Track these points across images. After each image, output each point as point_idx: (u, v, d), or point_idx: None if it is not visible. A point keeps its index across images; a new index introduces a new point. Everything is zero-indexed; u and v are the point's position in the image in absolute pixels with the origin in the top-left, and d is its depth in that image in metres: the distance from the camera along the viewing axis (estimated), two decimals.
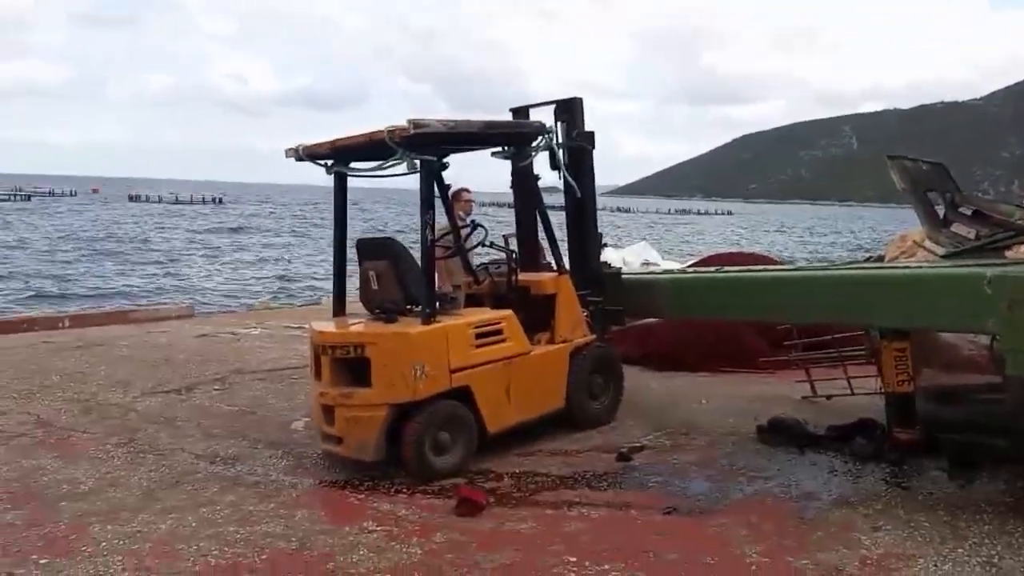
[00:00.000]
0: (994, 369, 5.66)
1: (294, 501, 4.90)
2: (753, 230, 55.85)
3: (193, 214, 71.42)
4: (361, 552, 4.14)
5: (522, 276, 6.17)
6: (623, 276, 6.52)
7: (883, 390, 6.21)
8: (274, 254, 38.09)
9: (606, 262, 6.75)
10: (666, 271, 6.79)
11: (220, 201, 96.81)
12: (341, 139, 5.64)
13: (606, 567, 3.87)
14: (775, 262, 8.87)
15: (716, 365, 7.93)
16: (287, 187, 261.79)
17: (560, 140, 6.26)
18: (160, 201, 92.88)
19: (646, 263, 12.42)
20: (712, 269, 6.09)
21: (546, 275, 6.28)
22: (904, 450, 5.27)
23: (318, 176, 6.01)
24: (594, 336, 6.22)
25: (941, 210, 5.63)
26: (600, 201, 7.08)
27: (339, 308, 6.09)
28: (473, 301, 6.26)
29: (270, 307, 15.86)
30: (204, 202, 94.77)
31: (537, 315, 6.02)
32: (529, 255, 6.58)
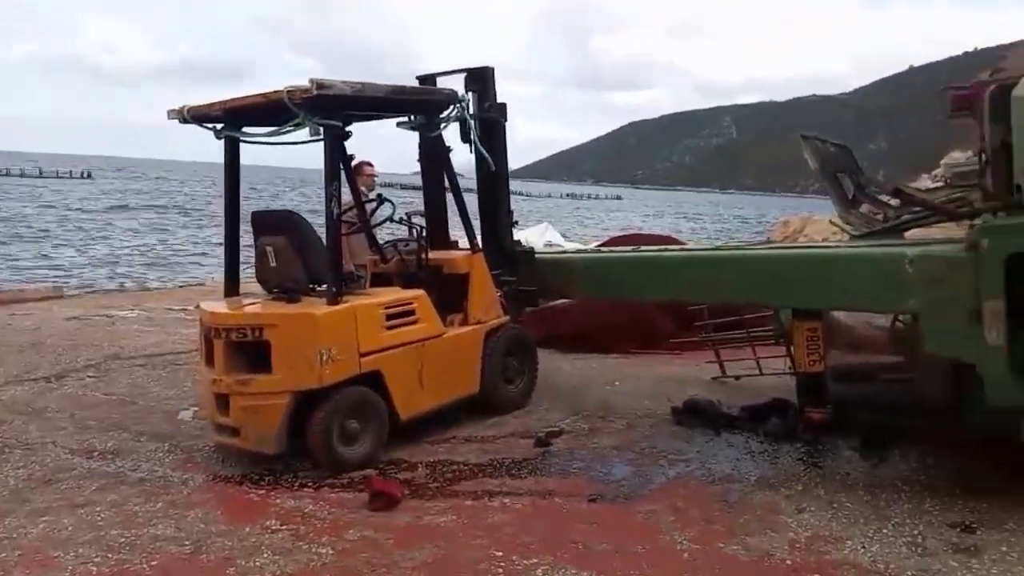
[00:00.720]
0: (894, 349, 5.83)
1: (185, 499, 4.44)
2: (644, 214, 57.26)
3: (60, 189, 66.47)
4: (264, 555, 3.76)
5: (433, 254, 5.84)
6: (537, 255, 6.30)
7: (792, 370, 6.29)
8: (150, 232, 35.83)
9: (518, 240, 6.51)
10: (580, 251, 6.62)
11: (89, 175, 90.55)
12: (234, 99, 5.13)
13: (534, 561, 3.64)
14: (681, 244, 8.90)
15: (626, 346, 7.87)
16: (164, 163, 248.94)
17: (472, 111, 5.94)
18: (23, 175, 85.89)
19: (549, 244, 12.31)
20: (628, 249, 5.97)
21: (458, 253, 5.98)
22: (817, 430, 5.31)
23: (199, 150, 5.46)
24: (508, 317, 5.98)
25: (850, 192, 5.70)
26: None
27: (232, 287, 5.58)
28: (379, 281, 5.90)
29: (148, 288, 14.81)
30: (72, 176, 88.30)
31: (449, 295, 5.71)
32: (439, 232, 6.25)
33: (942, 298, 3.96)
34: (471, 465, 4.89)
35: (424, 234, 5.88)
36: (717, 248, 5.61)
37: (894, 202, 5.82)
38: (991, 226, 3.74)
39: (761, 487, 4.50)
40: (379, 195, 6.33)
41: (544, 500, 4.35)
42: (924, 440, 5.06)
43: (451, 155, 5.89)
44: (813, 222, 22.55)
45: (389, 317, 5.09)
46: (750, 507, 4.24)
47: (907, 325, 5.62)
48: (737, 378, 6.64)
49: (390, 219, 5.95)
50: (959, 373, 4.81)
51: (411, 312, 5.23)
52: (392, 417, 5.03)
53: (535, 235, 12.61)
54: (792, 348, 5.83)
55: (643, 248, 5.92)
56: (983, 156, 4.70)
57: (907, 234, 5.47)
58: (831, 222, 6.29)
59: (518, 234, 6.94)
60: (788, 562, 3.63)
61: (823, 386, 5.43)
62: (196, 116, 5.37)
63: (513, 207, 6.69)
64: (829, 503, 4.26)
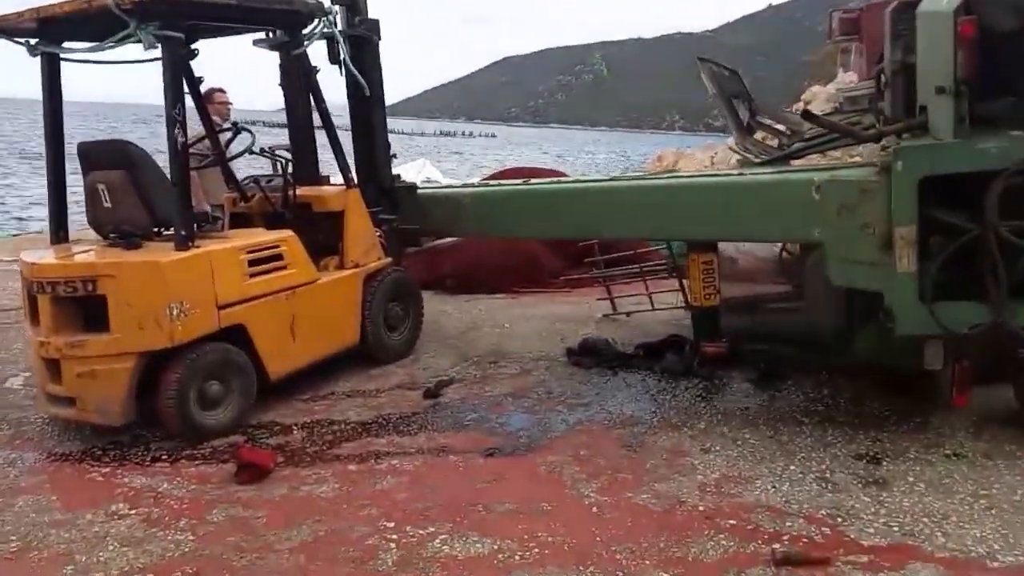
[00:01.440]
0: (781, 280, 5.76)
1: (11, 485, 3.77)
2: (519, 152, 56.94)
3: None
4: (110, 547, 3.20)
5: (301, 191, 5.21)
6: (420, 190, 5.77)
7: (686, 304, 6.13)
8: None
9: (398, 175, 5.94)
10: (467, 185, 6.13)
11: None
12: (50, 6, 4.25)
13: (431, 530, 3.25)
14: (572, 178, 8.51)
15: (514, 286, 7.52)
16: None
17: (341, 27, 5.26)
18: None
19: (427, 181, 11.71)
20: (519, 182, 5.54)
21: (331, 189, 5.36)
22: (713, 364, 5.17)
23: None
24: (389, 259, 5.45)
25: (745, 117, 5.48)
26: None
27: (59, 233, 4.76)
28: (240, 222, 5.23)
29: None
30: None
31: (322, 237, 5.14)
32: (307, 166, 5.59)
33: (851, 226, 3.78)
34: (353, 424, 4.42)
35: (290, 168, 5.22)
36: (613, 179, 5.27)
37: (782, 127, 5.66)
38: (905, 148, 3.55)
39: (664, 428, 4.29)
40: (235, 123, 5.58)
41: (438, 458, 3.95)
42: (817, 370, 5.01)
43: (318, 77, 5.20)
44: (685, 157, 23.08)
45: (252, 263, 4.47)
46: (655, 450, 4.01)
47: (794, 256, 5.55)
48: (629, 314, 6.43)
49: (249, 151, 5.24)
50: (849, 302, 4.78)
51: (278, 256, 4.62)
52: (261, 376, 4.46)
53: (412, 172, 11.94)
54: (687, 282, 5.66)
55: (534, 181, 5.50)
56: (882, 78, 4.53)
57: (793, 163, 5.34)
58: (730, 148, 6.09)
59: (396, 170, 6.36)
60: (701, 508, 3.41)
61: (718, 320, 5.28)
62: (3, 28, 4.46)
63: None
64: (733, 440, 4.09)
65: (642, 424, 4.35)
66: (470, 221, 5.46)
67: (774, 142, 5.31)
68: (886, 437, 4.07)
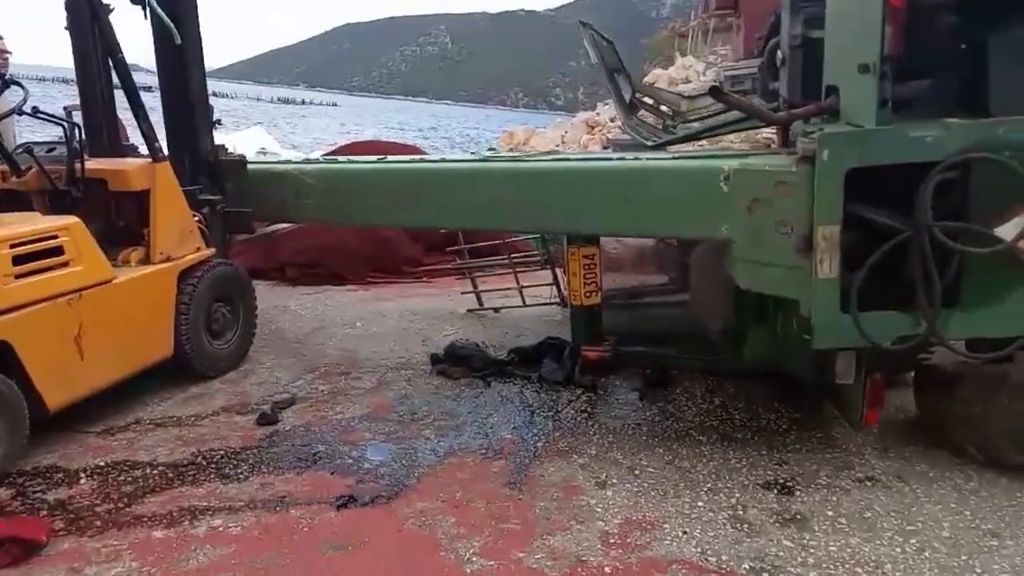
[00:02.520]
0: (654, 268, 5.31)
1: None
2: (362, 122, 54.74)
3: None
4: None
5: (94, 164, 4.12)
6: (251, 166, 4.77)
7: (562, 301, 5.55)
8: None
9: (223, 146, 4.91)
10: (309, 161, 5.17)
11: None
12: None
13: None
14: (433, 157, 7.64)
15: (365, 275, 6.65)
16: None
17: None
18: None
19: (263, 152, 10.49)
20: (373, 159, 4.67)
21: (132, 163, 4.28)
22: (595, 370, 4.63)
23: None
24: (211, 250, 4.46)
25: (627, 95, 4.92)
26: None
27: None
28: (10, 203, 4.07)
29: None
30: None
31: (121, 224, 4.09)
32: (103, 133, 4.47)
33: (764, 222, 3.28)
34: (163, 467, 3.46)
35: (79, 134, 4.10)
36: (485, 160, 4.53)
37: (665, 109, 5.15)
38: (831, 135, 3.07)
39: (550, 456, 3.66)
40: (2, 75, 4.35)
41: (275, 514, 3.10)
42: (704, 374, 4.59)
43: (111, 16, 4.10)
44: (537, 134, 22.76)
45: (20, 259, 3.39)
46: (544, 487, 3.37)
47: (672, 245, 5.09)
48: (497, 310, 5.78)
49: (20, 111, 4.06)
50: (738, 298, 4.37)
51: (57, 250, 3.55)
52: (35, 407, 3.40)
53: (245, 141, 10.66)
54: (564, 277, 5.08)
55: (392, 159, 4.65)
56: (778, 55, 4.08)
57: (671, 149, 4.86)
58: (622, 129, 5.52)
59: (222, 139, 5.31)
60: (607, 570, 2.81)
61: (600, 320, 4.74)
62: None
63: (217, 111, 5.07)
64: (630, 470, 3.53)
65: (525, 451, 3.70)
66: (314, 205, 4.55)
67: (654, 123, 4.80)
68: (791, 458, 3.65)
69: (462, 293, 5.92)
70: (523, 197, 3.94)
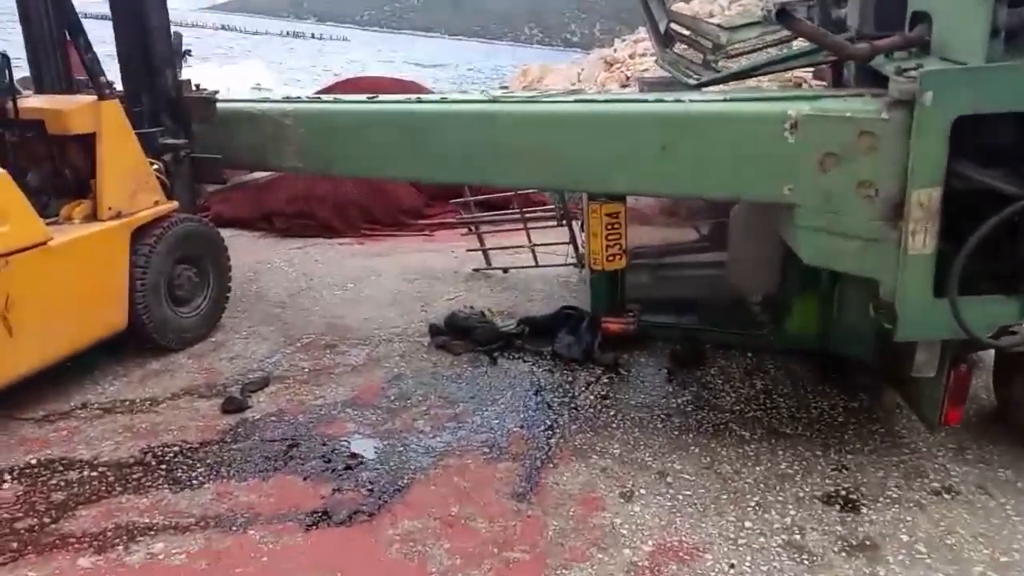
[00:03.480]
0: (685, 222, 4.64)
1: None
2: (374, 58, 52.95)
3: None
4: None
5: (29, 103, 3.48)
6: (221, 104, 4.10)
7: (576, 260, 4.92)
8: None
9: (189, 81, 4.24)
10: (289, 98, 4.47)
11: None
12: None
13: None
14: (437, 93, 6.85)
15: (360, 229, 6.02)
16: None
17: None
18: None
19: (258, 87, 9.74)
20: (362, 98, 3.98)
21: (75, 101, 3.62)
22: (617, 344, 4.03)
23: None
24: (173, 204, 3.84)
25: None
26: (194, 16, 4.40)
27: None
28: None
29: None
30: None
31: (62, 174, 3.46)
32: (46, 66, 3.81)
33: (840, 183, 2.62)
34: (104, 467, 2.92)
35: (7, 69, 3.45)
36: (496, 101, 3.83)
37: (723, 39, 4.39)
38: (941, 73, 2.39)
39: (566, 456, 3.09)
40: None
41: (229, 535, 2.56)
42: (741, 350, 4.00)
43: None
44: (552, 71, 21.72)
45: None
46: (557, 498, 2.82)
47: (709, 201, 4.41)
48: (506, 271, 5.15)
49: None
50: (785, 263, 3.75)
51: None
52: None
53: (239, 76, 9.91)
54: (583, 237, 4.43)
55: (387, 99, 3.95)
56: None
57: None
58: (657, 63, 4.78)
59: (219, 72, 4.61)
60: None
61: (624, 288, 4.12)
62: None
63: (222, 46, 4.39)
64: (661, 476, 2.96)
65: (535, 450, 3.12)
66: (294, 151, 3.89)
67: (694, 58, 4.07)
68: (852, 462, 3.07)
69: (467, 251, 5.29)
70: (539, 147, 3.27)
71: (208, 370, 3.70)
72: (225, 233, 4.85)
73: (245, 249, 5.19)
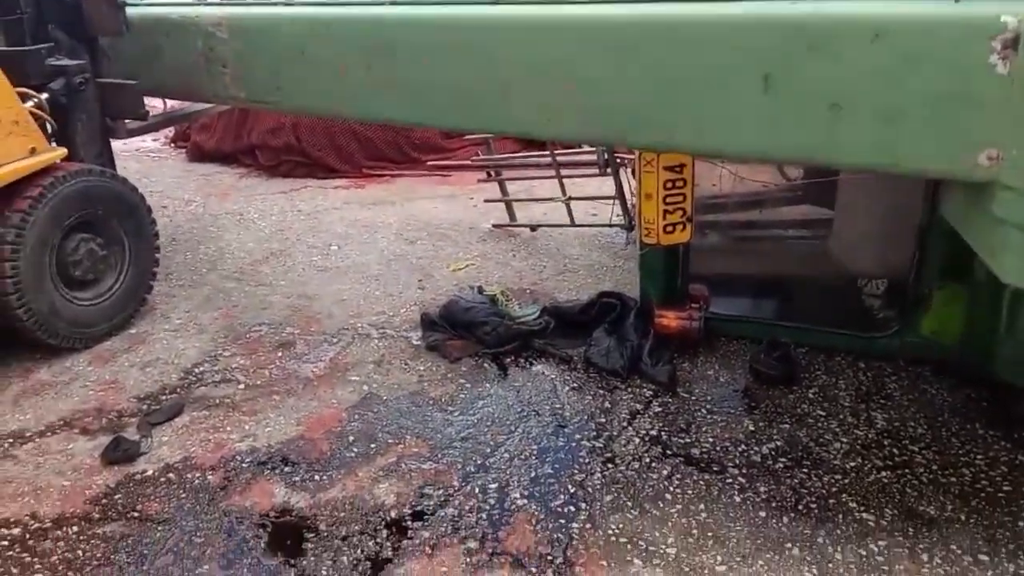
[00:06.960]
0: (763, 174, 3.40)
1: None
2: None
3: None
4: None
5: None
6: (131, 10, 2.97)
7: (624, 223, 3.74)
8: None
9: None
10: (226, 1, 3.28)
11: None
12: None
13: None
14: None
15: (360, 166, 4.90)
16: None
17: None
18: None
19: None
20: None
21: None
22: (676, 347, 2.92)
23: None
24: (60, 151, 2.79)
25: None
26: None
27: None
28: None
29: None
30: None
31: None
32: None
33: None
34: None
35: None
36: (498, 2, 2.57)
37: None
38: None
39: (592, 558, 2.02)
40: None
41: None
42: (850, 357, 2.86)
43: None
44: None
45: None
46: None
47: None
48: (534, 229, 4.01)
49: None
50: (923, 234, 2.58)
51: None
52: None
53: None
54: (634, 194, 3.30)
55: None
56: None
57: None
58: None
59: None
60: None
61: (687, 268, 2.98)
62: None
63: None
64: (773, 544, 1.88)
65: (547, 543, 2.06)
66: (232, 77, 2.77)
67: None
68: None
69: (486, 201, 4.14)
70: (563, 75, 2.07)
71: (109, 385, 2.71)
72: (203, 170, 3.86)
73: (216, 194, 4.15)
